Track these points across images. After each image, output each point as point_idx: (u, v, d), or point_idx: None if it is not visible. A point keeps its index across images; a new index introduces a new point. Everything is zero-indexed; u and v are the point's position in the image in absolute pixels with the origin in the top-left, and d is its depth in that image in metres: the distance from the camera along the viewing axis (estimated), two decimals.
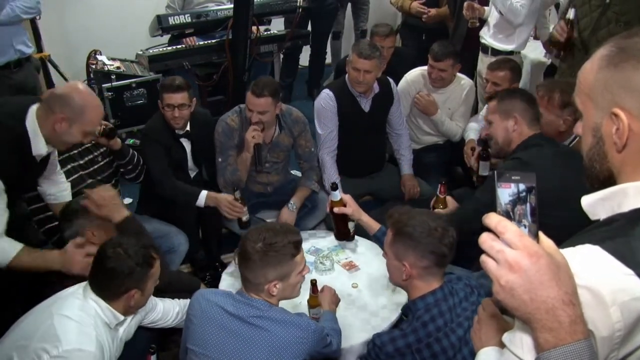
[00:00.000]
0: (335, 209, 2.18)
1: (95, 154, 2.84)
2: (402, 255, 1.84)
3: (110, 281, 1.88)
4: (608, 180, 0.98)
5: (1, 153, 2.10)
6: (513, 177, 0.83)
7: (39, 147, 2.19)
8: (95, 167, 2.83)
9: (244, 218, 2.91)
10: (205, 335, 1.82)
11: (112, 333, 1.93)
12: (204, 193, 2.94)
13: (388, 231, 1.91)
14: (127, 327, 2.03)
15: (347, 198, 2.43)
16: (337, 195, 2.24)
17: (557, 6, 4.08)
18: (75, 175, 2.74)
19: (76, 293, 1.91)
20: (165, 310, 2.27)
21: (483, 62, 3.96)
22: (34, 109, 2.16)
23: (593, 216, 1.00)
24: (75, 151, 2.76)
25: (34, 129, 2.15)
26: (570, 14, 3.03)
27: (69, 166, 2.72)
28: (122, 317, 1.94)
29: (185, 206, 3.01)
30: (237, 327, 1.80)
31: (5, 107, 2.21)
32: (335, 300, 2.31)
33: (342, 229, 2.28)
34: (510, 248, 0.79)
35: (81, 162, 2.78)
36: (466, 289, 1.89)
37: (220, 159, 3.05)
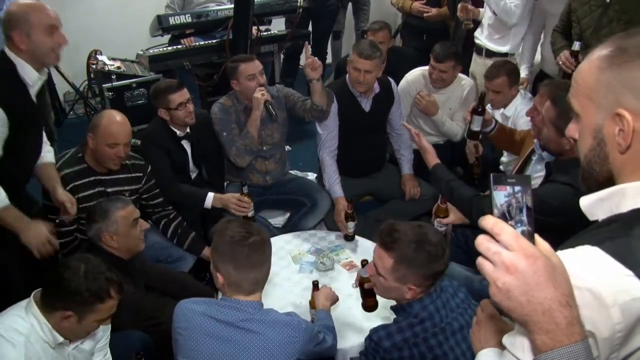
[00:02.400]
0: (366, 285, 2.20)
1: (122, 189, 2.80)
2: (407, 279, 1.80)
3: (54, 289, 1.78)
4: (607, 182, 0.98)
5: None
6: (509, 180, 0.83)
7: (27, 72, 2.22)
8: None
9: (250, 214, 2.93)
10: (195, 346, 1.79)
11: (57, 351, 1.83)
12: (210, 195, 2.97)
13: (383, 254, 1.84)
14: (78, 348, 1.92)
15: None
16: (366, 272, 2.27)
17: None
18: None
19: (19, 308, 1.80)
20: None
21: (477, 62, 3.96)
22: None
23: (592, 217, 1.00)
24: (105, 188, 2.74)
25: (12, 55, 2.19)
26: (576, 45, 3.02)
27: (97, 189, 2.72)
28: (60, 339, 1.80)
29: (189, 207, 3.04)
30: (227, 333, 1.78)
31: None
32: (330, 298, 2.30)
33: (369, 304, 2.30)
34: (507, 250, 0.79)
35: (109, 191, 2.76)
36: (451, 284, 1.93)
37: (225, 134, 3.11)
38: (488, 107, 3.52)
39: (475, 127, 2.98)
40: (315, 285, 2.35)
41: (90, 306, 1.77)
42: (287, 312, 1.92)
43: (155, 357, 2.24)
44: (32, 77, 2.24)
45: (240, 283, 1.80)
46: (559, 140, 2.20)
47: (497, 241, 0.80)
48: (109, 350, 2.12)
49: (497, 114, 3.40)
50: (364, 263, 2.29)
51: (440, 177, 2.59)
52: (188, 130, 3.08)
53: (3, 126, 2.18)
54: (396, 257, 1.79)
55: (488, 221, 0.81)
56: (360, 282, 2.26)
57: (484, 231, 0.82)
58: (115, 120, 2.64)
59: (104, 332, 2.05)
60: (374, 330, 1.86)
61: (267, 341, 1.76)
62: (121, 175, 2.79)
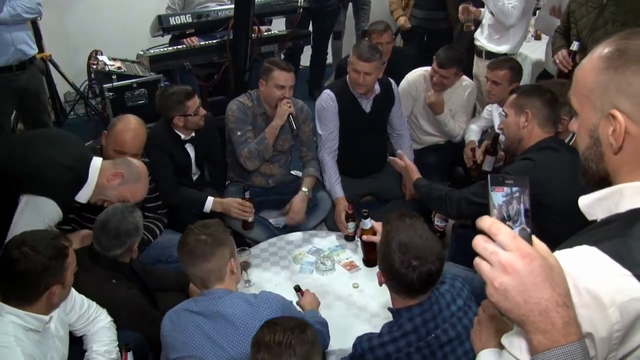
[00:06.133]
0: (364, 237, 2.22)
1: None
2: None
3: (26, 284, 1.77)
4: (604, 180, 0.99)
5: (67, 192, 2.31)
6: (506, 181, 0.84)
7: (85, 195, 2.36)
8: None
9: (250, 219, 2.93)
10: (183, 340, 1.84)
11: (43, 334, 1.85)
12: (210, 200, 2.98)
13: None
14: (55, 321, 1.95)
15: (377, 226, 2.39)
16: (368, 223, 2.29)
17: None
18: None
19: None
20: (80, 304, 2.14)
21: (478, 65, 3.96)
22: (99, 161, 2.41)
23: (590, 217, 1.01)
24: None
25: (93, 179, 2.36)
26: (574, 45, 3.02)
27: None
28: (47, 318, 1.85)
29: (188, 211, 3.05)
30: (204, 324, 1.84)
31: (72, 151, 2.41)
32: (316, 303, 2.34)
33: (371, 256, 2.31)
34: (504, 250, 0.79)
35: None
36: (452, 290, 1.86)
37: (239, 133, 3.10)
38: (490, 110, 3.53)
39: (487, 168, 3.04)
40: (298, 289, 2.37)
41: (62, 267, 1.84)
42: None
43: (146, 355, 2.26)
44: (82, 197, 2.39)
45: (200, 276, 1.93)
46: (517, 121, 2.35)
47: (495, 241, 0.80)
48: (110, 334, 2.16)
49: (495, 114, 3.40)
50: (365, 214, 2.30)
51: (418, 186, 2.69)
52: (193, 134, 3.08)
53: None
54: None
55: (485, 222, 0.81)
56: (360, 234, 2.27)
57: (482, 232, 0.82)
58: (129, 128, 2.66)
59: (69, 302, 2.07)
60: (359, 341, 1.85)
61: (237, 319, 1.83)
62: None
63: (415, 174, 2.75)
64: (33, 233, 1.87)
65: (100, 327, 2.13)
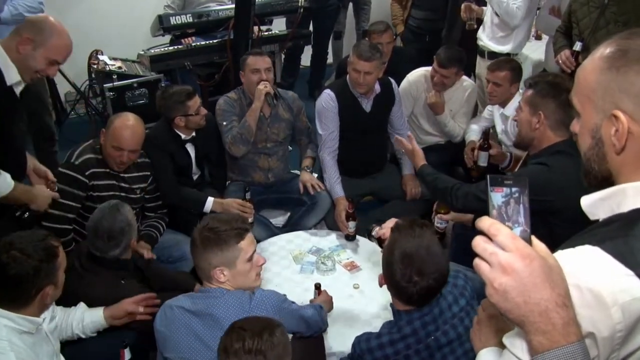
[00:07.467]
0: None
1: (134, 187, 2.83)
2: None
3: (18, 288, 1.75)
4: (606, 180, 0.99)
5: None
6: (506, 182, 0.83)
7: (11, 75, 2.14)
8: (131, 196, 2.81)
9: (250, 219, 2.93)
10: (175, 339, 1.81)
11: (36, 336, 1.83)
12: (210, 200, 2.98)
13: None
14: (49, 319, 1.94)
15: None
16: None
17: None
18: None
19: None
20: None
21: (481, 65, 3.95)
22: None
23: (592, 216, 1.01)
24: (118, 183, 2.77)
25: (2, 56, 2.11)
26: (577, 46, 3.01)
27: (111, 192, 2.72)
28: (40, 320, 1.83)
29: (188, 211, 3.06)
30: (196, 325, 1.79)
31: None
32: (328, 305, 2.31)
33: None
34: (503, 250, 0.79)
35: (122, 194, 2.76)
36: (454, 290, 1.84)
37: (225, 123, 3.15)
38: (491, 110, 3.53)
39: (482, 163, 3.07)
40: (318, 287, 2.35)
41: (54, 268, 1.82)
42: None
43: (144, 351, 2.25)
44: (12, 78, 2.17)
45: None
46: (529, 119, 2.27)
47: (494, 242, 0.80)
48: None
49: (497, 114, 3.40)
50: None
51: (424, 174, 2.64)
52: (194, 133, 3.09)
53: None
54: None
55: (485, 222, 0.81)
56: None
57: (482, 232, 0.82)
58: (126, 125, 2.64)
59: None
60: (357, 341, 1.85)
61: (225, 322, 1.75)
62: (134, 174, 2.83)
63: (421, 160, 2.68)
64: (20, 235, 1.83)
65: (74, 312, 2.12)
